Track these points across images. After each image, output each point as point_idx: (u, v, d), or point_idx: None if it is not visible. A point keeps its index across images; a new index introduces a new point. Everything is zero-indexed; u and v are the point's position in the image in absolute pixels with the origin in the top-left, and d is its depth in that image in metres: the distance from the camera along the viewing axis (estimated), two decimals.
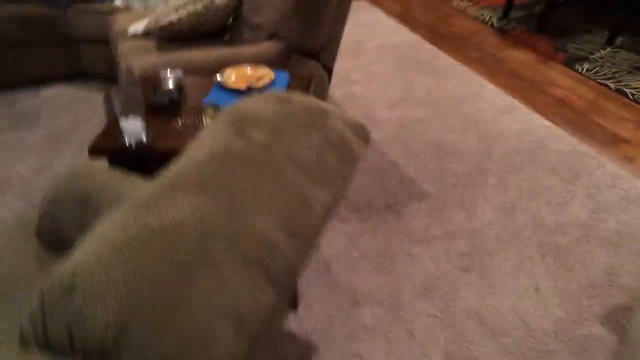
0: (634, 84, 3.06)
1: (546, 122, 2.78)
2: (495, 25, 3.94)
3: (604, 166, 2.42)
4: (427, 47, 3.68)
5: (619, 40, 3.57)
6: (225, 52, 2.06)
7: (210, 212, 0.72)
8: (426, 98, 3.02)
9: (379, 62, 3.47)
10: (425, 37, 3.83)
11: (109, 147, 1.45)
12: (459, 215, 2.16)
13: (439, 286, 1.85)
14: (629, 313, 1.73)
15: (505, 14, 4.01)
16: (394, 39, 3.81)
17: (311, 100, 1.01)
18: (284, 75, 1.82)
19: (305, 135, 0.93)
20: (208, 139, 0.88)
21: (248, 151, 0.84)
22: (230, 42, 2.37)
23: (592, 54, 3.44)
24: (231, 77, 1.76)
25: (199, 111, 1.50)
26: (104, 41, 2.96)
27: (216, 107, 1.50)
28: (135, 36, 2.48)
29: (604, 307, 1.76)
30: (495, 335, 1.68)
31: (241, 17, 2.32)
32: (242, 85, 1.70)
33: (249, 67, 1.82)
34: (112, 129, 1.51)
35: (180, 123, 1.56)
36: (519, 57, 3.50)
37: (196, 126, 1.54)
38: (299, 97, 1.01)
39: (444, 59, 3.49)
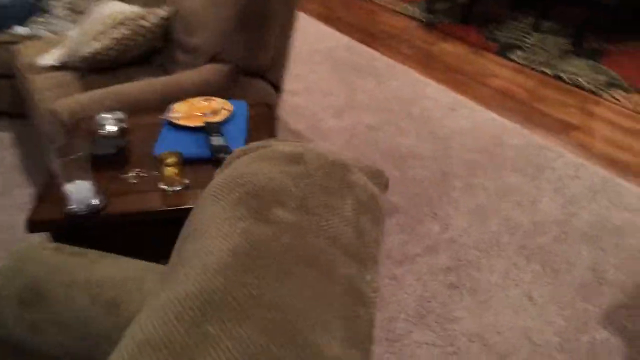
0: (568, 68, 3.10)
1: (494, 116, 2.74)
2: (423, 19, 3.90)
3: (562, 157, 2.41)
4: (360, 48, 3.56)
5: (545, 25, 3.62)
6: (164, 82, 1.83)
7: (262, 346, 0.53)
8: (371, 102, 2.91)
9: (315, 69, 3.31)
10: (355, 37, 3.72)
11: (52, 219, 1.20)
12: (433, 226, 2.05)
13: (432, 309, 1.73)
14: (626, 311, 1.69)
15: (430, 8, 3.98)
16: (325, 43, 3.67)
17: (323, 151, 0.84)
18: (242, 105, 1.62)
19: (337, 203, 0.76)
20: (218, 229, 0.69)
21: (281, 242, 0.66)
22: (163, 68, 2.13)
23: (521, 41, 3.47)
24: (182, 113, 1.54)
25: (157, 160, 1.28)
26: (6, 75, 2.61)
27: (177, 154, 1.28)
28: (47, 68, 2.18)
29: (601, 308, 1.71)
30: (502, 357, 1.58)
31: (173, 39, 2.09)
32: (198, 122, 1.49)
33: (200, 100, 1.61)
34: (52, 195, 1.25)
35: (133, 177, 1.33)
36: (452, 50, 3.47)
37: (156, 179, 1.32)
38: (309, 151, 0.84)
39: (379, 60, 3.39)
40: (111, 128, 1.40)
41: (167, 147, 1.41)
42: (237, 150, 0.92)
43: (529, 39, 3.49)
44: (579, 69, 3.09)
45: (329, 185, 0.78)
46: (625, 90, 2.86)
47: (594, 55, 3.22)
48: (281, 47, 2.01)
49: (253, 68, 1.97)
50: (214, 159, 1.38)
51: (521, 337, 1.63)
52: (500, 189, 2.23)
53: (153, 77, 1.92)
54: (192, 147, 1.43)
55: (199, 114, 1.54)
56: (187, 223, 0.78)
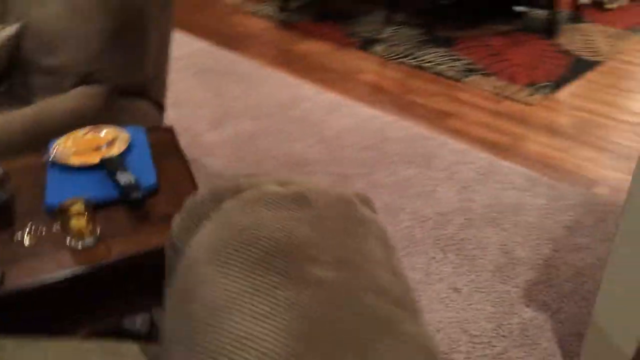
0: (427, 58, 3.24)
1: (373, 112, 2.76)
2: (279, 19, 3.83)
3: (445, 145, 2.49)
4: (221, 52, 3.39)
5: (397, 18, 3.75)
6: (27, 113, 1.53)
7: None
8: (247, 109, 2.77)
9: (179, 79, 3.08)
10: (214, 42, 3.53)
11: None
12: None
13: None
14: (542, 287, 1.78)
15: (284, 7, 3.92)
16: (182, 49, 3.43)
17: (324, 188, 0.72)
18: (138, 131, 1.40)
19: (365, 246, 0.65)
20: (252, 304, 0.54)
21: (338, 309, 0.54)
22: (17, 96, 1.79)
23: (379, 34, 3.56)
24: (69, 150, 1.29)
25: (58, 212, 1.04)
26: None
27: (82, 200, 1.05)
28: None
29: (520, 287, 1.78)
30: (446, 354, 1.57)
31: (24, 59, 1.76)
32: (93, 158, 1.25)
33: (87, 131, 1.36)
34: None
35: (28, 238, 1.07)
36: (316, 49, 3.45)
37: (58, 235, 1.07)
38: (307, 187, 0.71)
39: (244, 63, 3.26)
40: None
41: (62, 193, 1.16)
42: (205, 194, 0.76)
43: (385, 32, 3.59)
44: (436, 57, 3.25)
45: (348, 226, 0.67)
46: (482, 74, 3.06)
47: (446, 43, 3.41)
48: (161, 59, 1.80)
49: (132, 87, 1.74)
50: (124, 200, 1.17)
51: (459, 331, 1.63)
52: (399, 184, 2.24)
53: (7, 108, 1.61)
54: (92, 189, 1.19)
55: (91, 149, 1.30)
56: (185, 298, 0.61)
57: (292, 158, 2.39)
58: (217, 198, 0.75)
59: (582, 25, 3.59)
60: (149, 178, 1.24)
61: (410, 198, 2.16)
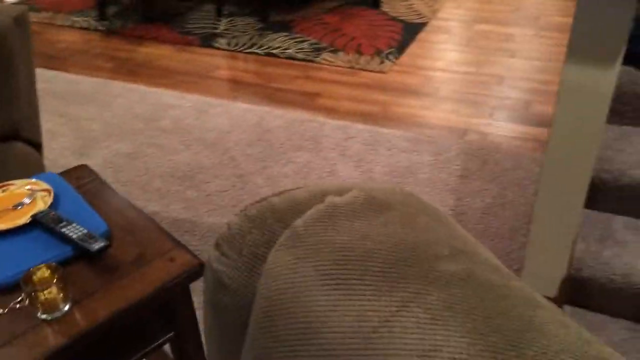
0: (273, 44, 3.25)
1: (243, 106, 2.71)
2: (101, 28, 3.52)
3: (325, 125, 2.55)
4: (50, 74, 3.03)
5: (226, 10, 3.68)
6: None
7: None
8: (111, 129, 2.53)
9: None
10: (37, 64, 3.13)
11: None
12: None
13: None
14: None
15: (102, 15, 3.61)
16: None
17: (382, 187, 0.71)
18: (52, 177, 1.20)
19: (457, 231, 0.67)
20: (406, 319, 0.52)
21: (482, 297, 0.55)
22: None
23: (215, 29, 3.47)
24: None
25: (23, 285, 0.86)
26: None
27: (51, 266, 0.89)
28: None
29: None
30: None
31: None
32: (25, 217, 1.05)
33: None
34: None
35: None
36: (156, 53, 3.26)
37: (23, 312, 0.89)
38: (377, 192, 0.70)
39: (85, 82, 2.96)
40: None
41: (5, 265, 0.97)
42: (243, 222, 0.69)
43: (220, 25, 3.51)
44: (282, 42, 3.27)
45: (433, 216, 0.67)
46: (330, 51, 3.16)
47: (285, 27, 3.45)
48: (30, 95, 1.56)
49: (5, 129, 1.48)
50: (85, 253, 1.02)
51: None
52: (298, 171, 2.24)
53: None
54: (38, 252, 1.01)
55: (5, 210, 1.09)
56: (305, 333, 0.56)
57: (181, 170, 2.25)
58: (261, 223, 0.69)
59: None
60: (99, 225, 1.08)
61: (314, 182, 2.18)
